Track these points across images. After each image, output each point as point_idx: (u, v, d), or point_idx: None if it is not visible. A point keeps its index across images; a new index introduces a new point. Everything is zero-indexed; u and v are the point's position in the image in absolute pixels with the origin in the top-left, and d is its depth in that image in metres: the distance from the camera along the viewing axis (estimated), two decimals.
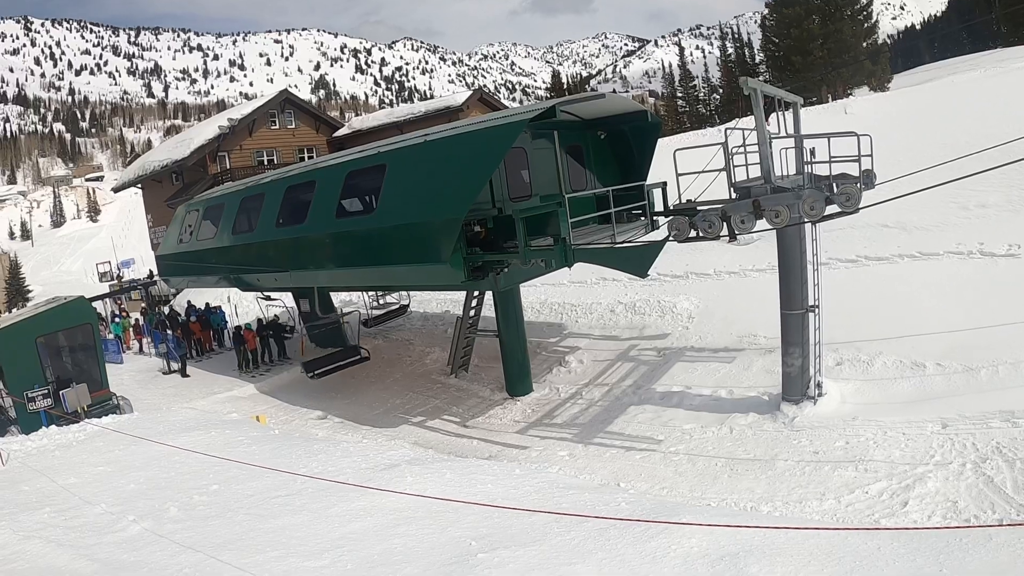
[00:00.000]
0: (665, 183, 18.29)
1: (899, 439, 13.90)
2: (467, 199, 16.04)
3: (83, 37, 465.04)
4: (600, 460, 15.88)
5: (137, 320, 39.15)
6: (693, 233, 14.72)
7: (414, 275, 18.45)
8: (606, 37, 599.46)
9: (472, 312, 22.73)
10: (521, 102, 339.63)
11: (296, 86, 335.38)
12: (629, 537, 9.34)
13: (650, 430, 16.73)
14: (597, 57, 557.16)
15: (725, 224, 14.43)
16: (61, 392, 20.50)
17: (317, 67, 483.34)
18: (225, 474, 13.16)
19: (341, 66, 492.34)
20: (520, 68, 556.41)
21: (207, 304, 33.87)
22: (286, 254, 21.69)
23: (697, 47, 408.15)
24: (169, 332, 30.58)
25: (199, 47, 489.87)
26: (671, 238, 14.94)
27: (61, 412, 20.05)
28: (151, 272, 51.83)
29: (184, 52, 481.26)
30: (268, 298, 28.56)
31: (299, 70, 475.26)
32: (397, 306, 29.49)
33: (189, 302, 35.19)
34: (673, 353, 20.48)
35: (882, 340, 17.47)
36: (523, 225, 15.57)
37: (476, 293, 22.41)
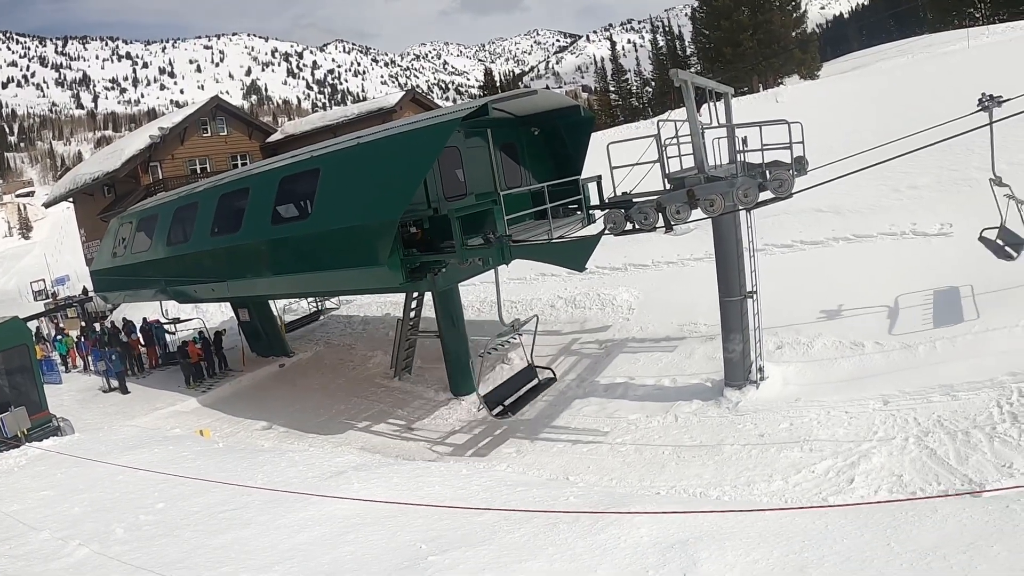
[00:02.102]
0: (600, 177, 18.36)
1: (842, 418, 14.15)
2: (402, 200, 15.99)
3: (9, 48, 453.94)
4: (547, 455, 15.89)
5: (78, 338, 38.35)
6: (629, 225, 14.82)
7: (352, 279, 18.33)
8: (538, 34, 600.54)
9: (412, 314, 22.68)
10: (454, 101, 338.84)
11: (227, 92, 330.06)
12: (579, 530, 9.34)
13: (596, 422, 16.79)
14: (529, 54, 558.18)
15: (661, 215, 14.53)
16: None
17: (248, 72, 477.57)
18: (171, 491, 12.93)
19: (273, 70, 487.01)
20: (453, 67, 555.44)
21: (144, 319, 33.28)
22: (222, 264, 21.46)
23: (629, 41, 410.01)
24: (107, 349, 29.98)
25: (128, 55, 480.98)
26: (607, 231, 15.01)
27: (0, 437, 19.56)
28: (86, 288, 50.89)
29: (113, 61, 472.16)
30: (177, 320, 28.22)
31: (230, 76, 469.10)
32: (311, 312, 29.23)
33: (124, 318, 34.51)
34: (615, 345, 20.62)
35: (821, 322, 17.79)
36: (459, 224, 15.53)
37: (415, 294, 22.38)
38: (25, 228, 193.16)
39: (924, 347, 15.53)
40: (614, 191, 15.35)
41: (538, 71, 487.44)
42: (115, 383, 27.98)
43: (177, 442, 17.79)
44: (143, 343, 30.93)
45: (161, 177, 50.26)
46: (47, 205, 69.41)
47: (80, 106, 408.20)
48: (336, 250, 17.40)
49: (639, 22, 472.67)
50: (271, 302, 28.77)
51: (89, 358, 32.95)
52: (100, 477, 14.43)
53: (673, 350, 19.22)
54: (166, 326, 29.24)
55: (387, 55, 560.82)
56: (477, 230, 16.30)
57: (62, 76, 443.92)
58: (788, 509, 9.66)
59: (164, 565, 9.82)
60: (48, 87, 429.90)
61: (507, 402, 16.93)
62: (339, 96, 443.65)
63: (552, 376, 18.25)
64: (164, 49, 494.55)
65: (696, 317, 19.92)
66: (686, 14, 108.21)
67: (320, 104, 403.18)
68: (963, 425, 12.78)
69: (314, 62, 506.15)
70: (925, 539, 7.93)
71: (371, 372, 24.28)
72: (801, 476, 12.72)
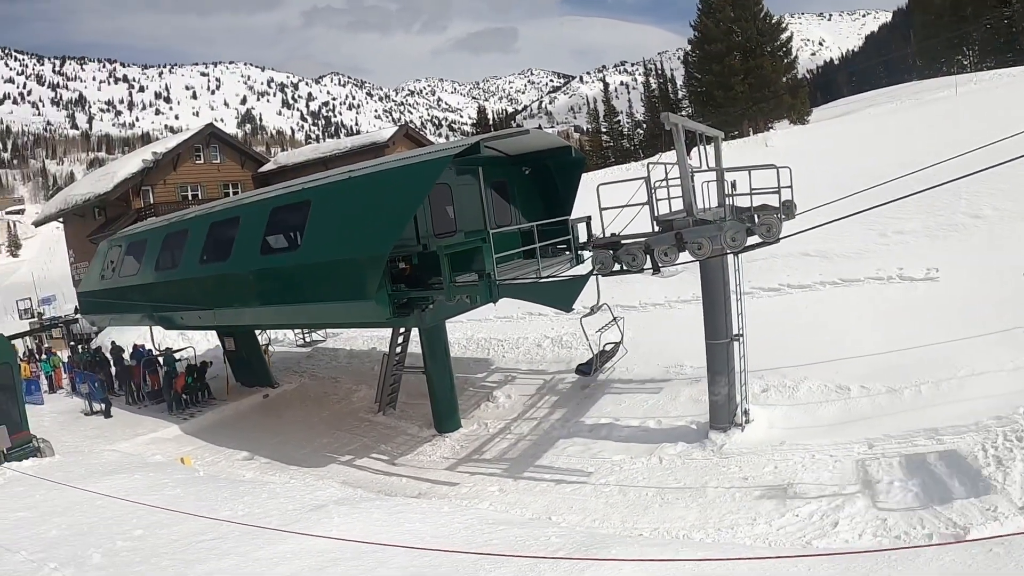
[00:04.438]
0: (589, 217, 18.44)
1: (827, 461, 14.10)
2: (392, 235, 15.98)
3: (6, 64, 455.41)
4: (531, 494, 15.77)
5: (69, 357, 38.20)
6: (617, 266, 14.84)
7: (339, 312, 18.30)
8: (532, 73, 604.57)
9: (398, 349, 22.58)
10: (447, 138, 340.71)
11: (222, 120, 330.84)
12: (560, 572, 9.28)
13: (580, 463, 16.68)
14: (523, 93, 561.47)
15: (649, 257, 14.57)
16: None
17: (243, 101, 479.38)
18: (149, 518, 12.76)
19: (268, 100, 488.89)
20: (447, 104, 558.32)
21: (135, 345, 32.97)
22: (210, 292, 21.37)
23: (622, 83, 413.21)
24: (93, 371, 29.78)
25: (125, 78, 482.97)
26: (595, 272, 15.04)
27: None
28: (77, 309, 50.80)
29: (109, 83, 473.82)
30: (170, 351, 28.13)
31: (225, 104, 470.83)
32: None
33: (114, 342, 34.21)
34: (600, 386, 20.57)
35: (807, 365, 17.80)
36: (447, 261, 15.57)
37: (402, 330, 22.29)
38: (14, 246, 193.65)
39: (910, 391, 15.57)
40: (603, 232, 15.41)
41: (531, 110, 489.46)
42: (97, 406, 27.82)
43: (158, 469, 17.70)
44: (146, 370, 29.96)
45: (152, 202, 50.31)
46: (37, 224, 69.14)
47: (75, 126, 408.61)
48: (324, 283, 17.36)
49: (632, 64, 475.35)
50: (257, 332, 28.70)
51: (75, 380, 32.72)
52: (78, 500, 14.28)
53: (658, 392, 19.20)
54: (175, 355, 28.95)
55: (382, 90, 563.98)
56: (466, 267, 16.33)
57: (58, 95, 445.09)
58: (769, 558, 9.65)
59: None
60: (44, 105, 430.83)
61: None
62: (333, 129, 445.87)
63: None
64: (161, 74, 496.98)
65: (682, 359, 19.95)
66: (679, 58, 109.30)
67: (313, 136, 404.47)
68: (948, 469, 12.82)
69: (309, 94, 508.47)
70: None
71: (355, 406, 24.21)
72: (785, 520, 12.64)
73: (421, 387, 21.65)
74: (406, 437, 20.99)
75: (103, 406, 27.56)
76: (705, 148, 16.77)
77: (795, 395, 17.23)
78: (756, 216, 15.76)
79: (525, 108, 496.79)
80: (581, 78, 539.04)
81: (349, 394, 25.50)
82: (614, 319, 19.43)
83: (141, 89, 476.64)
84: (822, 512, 12.59)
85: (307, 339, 33.05)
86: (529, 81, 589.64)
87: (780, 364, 18.10)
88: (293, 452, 21.15)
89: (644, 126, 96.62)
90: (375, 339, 29.29)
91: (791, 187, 16.26)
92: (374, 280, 16.13)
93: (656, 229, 14.86)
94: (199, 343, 32.23)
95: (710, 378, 16.57)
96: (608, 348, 19.31)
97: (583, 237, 19.18)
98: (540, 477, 16.50)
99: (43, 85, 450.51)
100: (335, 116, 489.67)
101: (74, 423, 27.33)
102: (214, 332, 29.47)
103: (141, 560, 11.00)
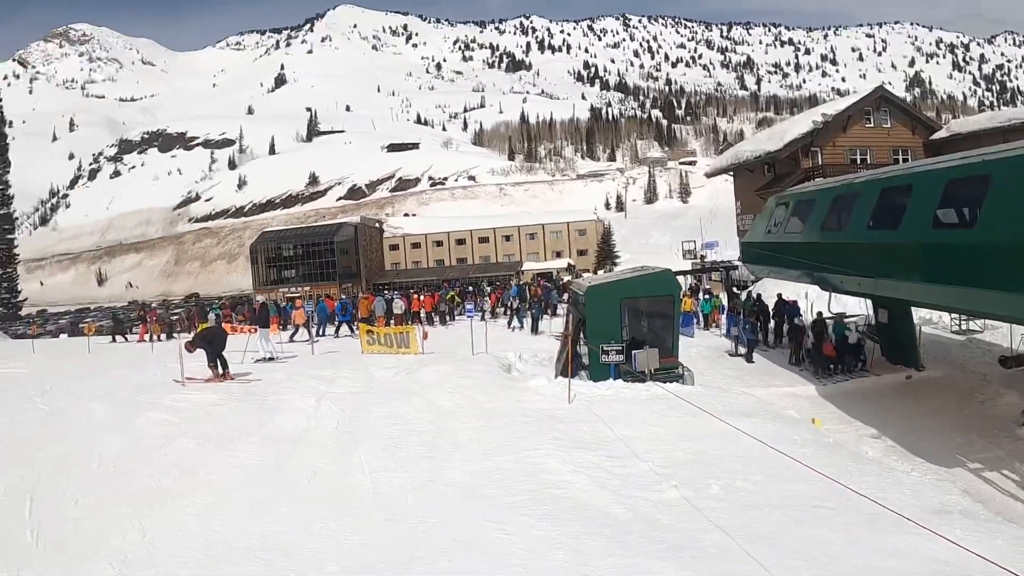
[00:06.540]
0: None
1: None
2: None
3: (678, 32, 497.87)
4: None
5: (732, 302, 40.85)
6: None
7: (1014, 304, 16.19)
8: None
9: None
10: None
11: (889, 83, 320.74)
12: None
13: None
14: None
15: None
16: (633, 351, 22.36)
17: (911, 63, 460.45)
18: (770, 468, 12.93)
19: (936, 62, 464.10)
20: None
21: (787, 301, 33.52)
22: (872, 259, 21.07)
23: None
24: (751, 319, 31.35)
25: (790, 41, 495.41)
26: None
27: (629, 369, 21.99)
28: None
29: (775, 46, 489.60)
30: (842, 315, 28.30)
31: (892, 66, 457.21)
32: None
33: (780, 295, 34.29)
34: None
35: None
36: None
37: None
38: (684, 192, 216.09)
39: None
40: None
41: None
42: (743, 350, 29.66)
43: (788, 423, 17.80)
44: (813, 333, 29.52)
45: (820, 163, 50.87)
46: (708, 175, 74.50)
47: (743, 87, 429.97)
48: (1004, 268, 15.68)
49: None
50: (914, 309, 27.37)
51: (728, 322, 34.71)
52: (708, 432, 14.91)
53: None
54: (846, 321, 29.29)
55: None
56: None
57: (727, 59, 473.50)
58: None
59: (747, 537, 9.82)
60: (714, 68, 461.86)
61: None
62: (1008, 95, 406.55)
63: None
64: (826, 36, 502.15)
65: None
66: None
67: (987, 102, 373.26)
68: None
69: (981, 55, 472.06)
70: None
71: (998, 411, 21.89)
72: None
73: None
74: None
75: (747, 351, 29.30)
76: None
77: None
78: None
79: None
80: None
81: (995, 396, 23.12)
82: None
83: (807, 51, 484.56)
84: None
85: (963, 327, 30.98)
86: None
87: None
88: (921, 443, 19.77)
89: None
90: None
91: None
92: None
93: None
94: (848, 308, 31.80)
95: None
96: None
97: None
98: None
99: (712, 49, 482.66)
100: (1011, 81, 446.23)
101: (717, 360, 29.37)
102: (868, 301, 29.15)
103: (755, 505, 11.24)
